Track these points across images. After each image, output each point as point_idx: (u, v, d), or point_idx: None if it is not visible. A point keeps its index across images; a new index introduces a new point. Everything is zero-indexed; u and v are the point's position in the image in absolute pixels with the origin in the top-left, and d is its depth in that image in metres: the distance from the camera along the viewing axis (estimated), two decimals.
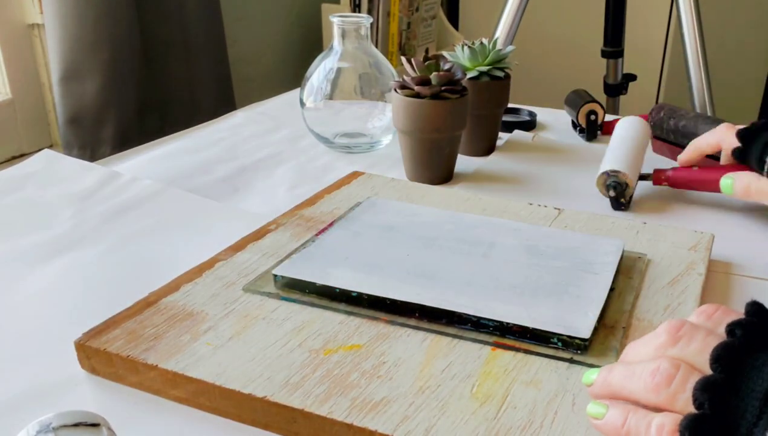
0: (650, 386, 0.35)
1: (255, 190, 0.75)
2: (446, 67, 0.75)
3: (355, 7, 1.84)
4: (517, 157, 0.85)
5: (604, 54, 1.40)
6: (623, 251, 0.56)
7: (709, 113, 1.24)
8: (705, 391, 0.33)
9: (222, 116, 0.98)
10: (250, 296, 0.51)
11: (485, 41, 0.82)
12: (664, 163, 0.79)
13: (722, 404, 0.33)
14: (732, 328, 0.35)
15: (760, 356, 0.33)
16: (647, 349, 0.37)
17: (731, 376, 0.33)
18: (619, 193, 0.70)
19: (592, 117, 0.90)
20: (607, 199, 0.71)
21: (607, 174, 0.70)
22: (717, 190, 0.67)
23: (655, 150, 0.84)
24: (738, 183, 0.63)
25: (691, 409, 0.33)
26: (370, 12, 1.84)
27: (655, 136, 0.83)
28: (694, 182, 0.71)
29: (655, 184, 0.73)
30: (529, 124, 0.95)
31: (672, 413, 0.34)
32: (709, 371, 0.34)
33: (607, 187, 0.70)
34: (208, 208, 0.70)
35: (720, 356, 0.34)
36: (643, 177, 0.73)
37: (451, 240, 0.57)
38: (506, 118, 0.95)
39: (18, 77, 1.30)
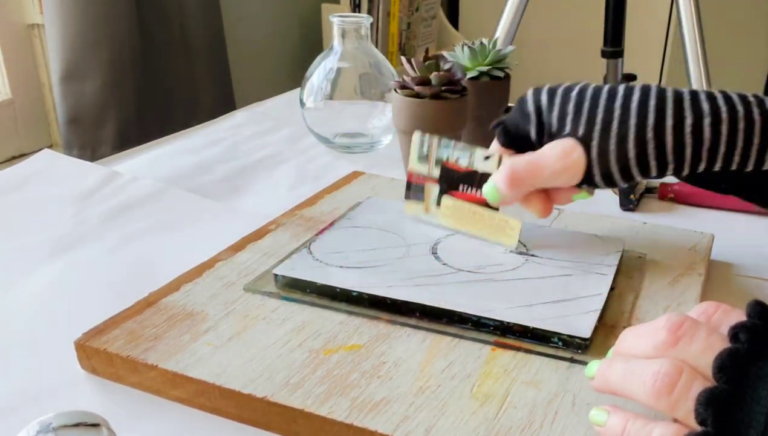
0: (651, 391, 0.34)
1: (255, 190, 0.75)
2: (446, 67, 0.75)
3: (355, 7, 1.84)
4: None
5: (604, 54, 1.39)
6: (623, 251, 0.56)
7: None
8: (709, 405, 0.32)
9: (222, 116, 0.98)
10: (250, 296, 0.51)
11: (485, 41, 0.82)
12: None
13: (726, 418, 0.32)
14: (736, 332, 0.34)
15: (766, 365, 0.32)
16: (645, 344, 0.36)
17: (735, 386, 0.32)
18: (629, 188, 0.69)
19: None
20: (608, 200, 0.71)
21: None
22: (723, 204, 0.68)
23: None
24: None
25: (693, 419, 0.33)
26: (370, 12, 1.84)
27: None
28: (700, 196, 0.71)
29: (660, 198, 0.72)
30: None
31: (673, 423, 0.34)
32: (711, 376, 0.33)
33: None
34: (208, 208, 0.70)
35: (724, 365, 0.33)
36: (648, 190, 0.73)
37: (451, 240, 0.57)
38: None
39: (18, 77, 1.30)
